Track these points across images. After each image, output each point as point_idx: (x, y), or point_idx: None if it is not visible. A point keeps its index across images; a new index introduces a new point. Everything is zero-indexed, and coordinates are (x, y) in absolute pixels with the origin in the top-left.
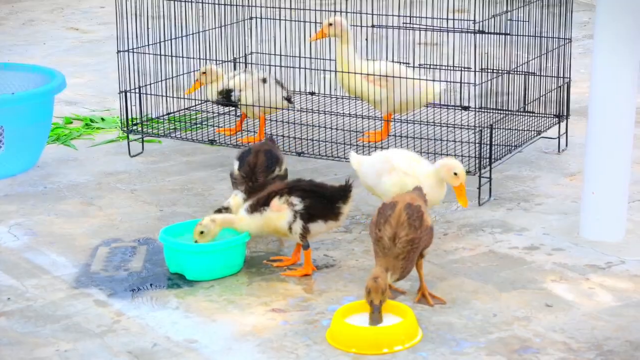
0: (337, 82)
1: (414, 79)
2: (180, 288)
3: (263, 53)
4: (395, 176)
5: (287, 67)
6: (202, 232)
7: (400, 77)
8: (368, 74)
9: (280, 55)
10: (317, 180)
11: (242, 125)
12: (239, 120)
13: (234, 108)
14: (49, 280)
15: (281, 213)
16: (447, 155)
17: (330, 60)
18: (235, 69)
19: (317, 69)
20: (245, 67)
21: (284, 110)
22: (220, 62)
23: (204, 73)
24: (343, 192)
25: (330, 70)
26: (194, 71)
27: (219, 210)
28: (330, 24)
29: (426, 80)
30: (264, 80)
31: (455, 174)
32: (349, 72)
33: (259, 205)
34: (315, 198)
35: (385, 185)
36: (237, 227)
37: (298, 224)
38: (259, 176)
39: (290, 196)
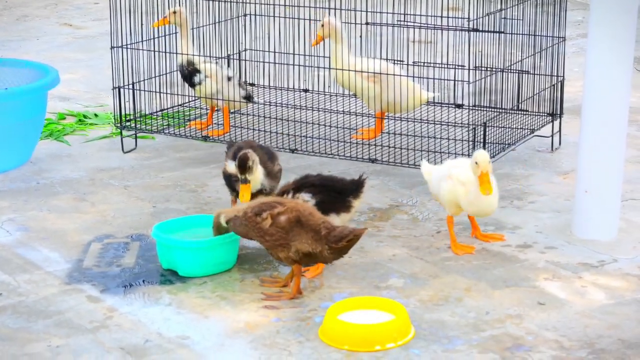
0: (333, 78)
1: (407, 76)
2: (173, 284)
3: (257, 50)
4: (450, 184)
5: (281, 64)
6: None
7: (394, 75)
8: (362, 71)
9: (274, 52)
10: None
11: (212, 119)
12: (209, 113)
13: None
14: (41, 275)
15: None
16: (440, 153)
17: (324, 57)
18: (228, 65)
19: (311, 66)
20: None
21: (277, 107)
22: (215, 58)
23: (174, 12)
24: (355, 188)
25: (323, 67)
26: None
27: (244, 155)
28: (323, 25)
29: (420, 83)
30: (229, 79)
31: (476, 163)
32: (342, 69)
33: None
34: (326, 192)
35: (442, 191)
36: None
37: None
38: (267, 166)
39: (300, 193)
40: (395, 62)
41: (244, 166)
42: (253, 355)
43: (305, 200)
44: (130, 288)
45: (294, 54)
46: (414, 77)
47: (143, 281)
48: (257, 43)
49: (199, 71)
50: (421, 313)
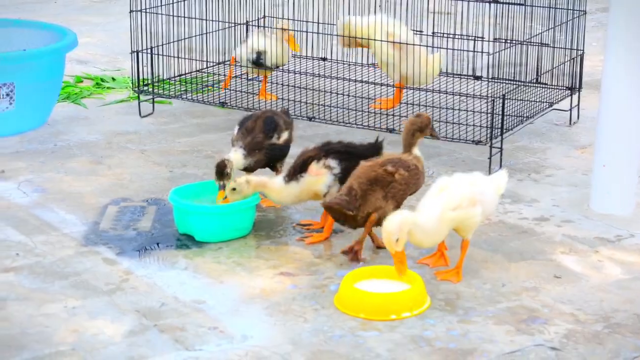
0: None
1: (424, 46)
2: (189, 249)
3: (276, 17)
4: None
5: (300, 31)
6: (234, 189)
7: (414, 45)
8: (389, 41)
9: (294, 20)
10: None
11: (230, 81)
12: (228, 75)
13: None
14: (57, 237)
15: (320, 177)
16: (459, 124)
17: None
18: (247, 31)
19: (331, 34)
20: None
21: (295, 75)
22: (233, 24)
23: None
24: (375, 150)
25: (342, 36)
26: (206, 33)
27: (222, 163)
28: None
29: (433, 52)
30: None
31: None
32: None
33: (296, 172)
34: (350, 159)
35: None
36: (268, 193)
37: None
38: (256, 136)
39: (327, 159)
40: (415, 32)
41: (220, 173)
42: (268, 322)
43: (332, 167)
44: (147, 251)
45: (312, 22)
46: (432, 47)
47: (159, 245)
48: (276, 10)
49: (263, 52)
50: (437, 284)
